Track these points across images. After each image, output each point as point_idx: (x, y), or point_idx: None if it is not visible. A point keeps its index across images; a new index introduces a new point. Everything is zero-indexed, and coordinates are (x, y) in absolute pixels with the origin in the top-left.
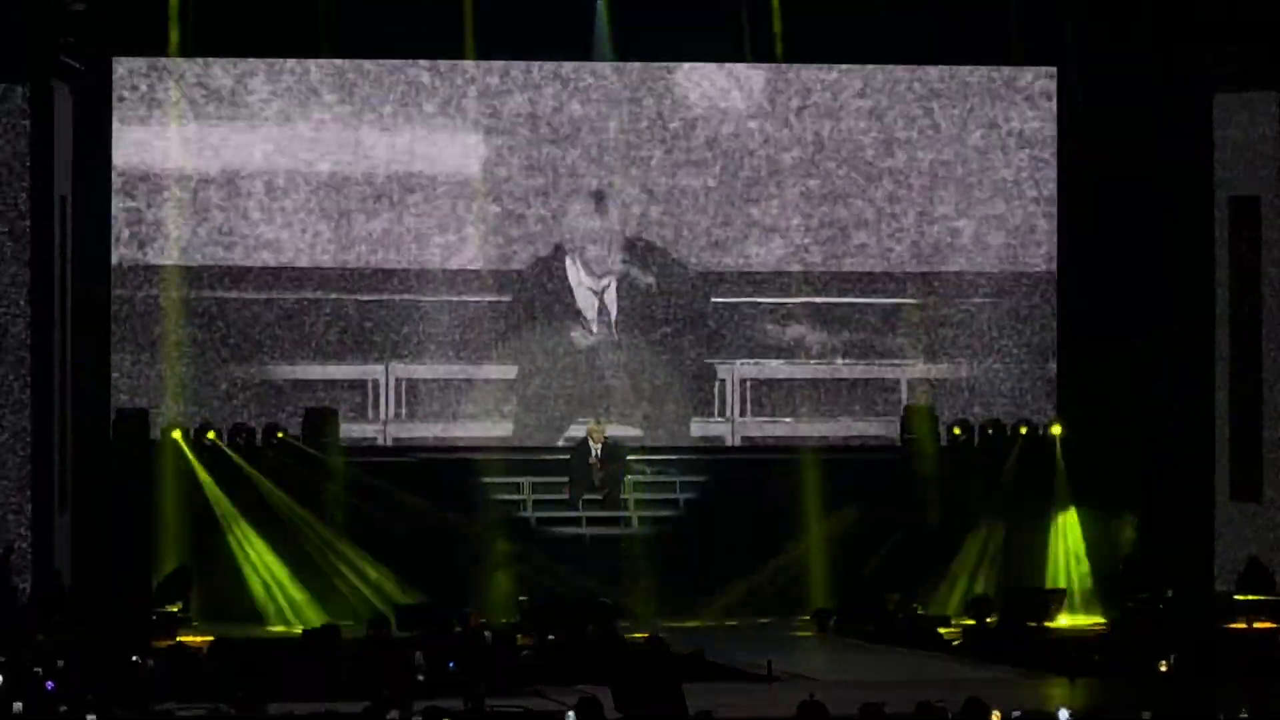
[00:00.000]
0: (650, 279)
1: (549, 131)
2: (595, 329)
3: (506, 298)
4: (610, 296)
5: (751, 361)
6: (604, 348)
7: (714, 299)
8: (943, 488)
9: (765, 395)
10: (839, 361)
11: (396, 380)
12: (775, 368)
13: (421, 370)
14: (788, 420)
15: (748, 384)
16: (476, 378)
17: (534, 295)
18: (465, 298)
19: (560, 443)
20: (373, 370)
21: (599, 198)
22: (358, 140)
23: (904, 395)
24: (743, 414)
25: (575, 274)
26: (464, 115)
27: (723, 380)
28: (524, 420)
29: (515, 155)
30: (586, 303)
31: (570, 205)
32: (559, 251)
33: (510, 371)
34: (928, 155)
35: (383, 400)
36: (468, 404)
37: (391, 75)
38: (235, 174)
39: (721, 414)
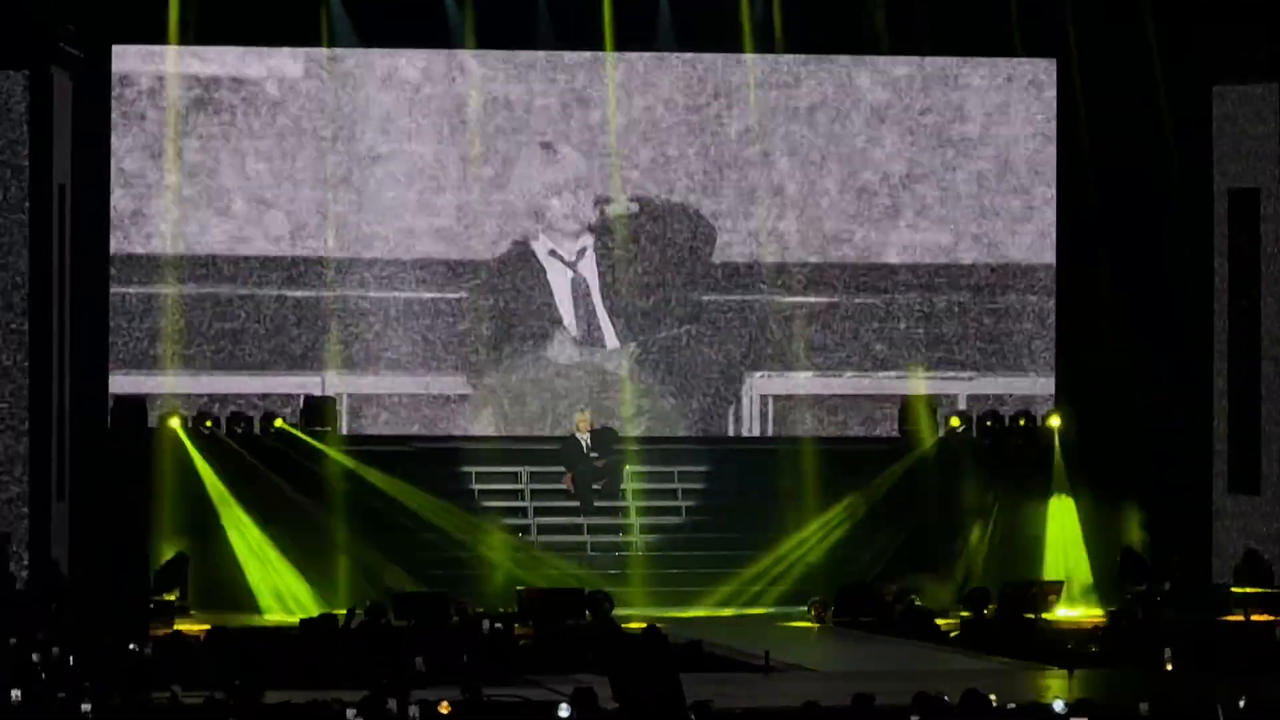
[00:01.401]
0: (635, 207)
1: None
2: (574, 326)
3: (463, 294)
4: (588, 266)
5: (771, 375)
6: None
7: (710, 295)
8: (941, 479)
9: (784, 411)
10: (848, 375)
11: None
12: (802, 381)
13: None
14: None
15: (769, 400)
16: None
17: (498, 295)
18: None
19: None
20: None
21: (547, 148)
22: (349, 128)
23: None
24: (762, 432)
25: (542, 246)
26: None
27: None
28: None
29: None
30: (560, 285)
31: (519, 164)
32: (523, 240)
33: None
34: (926, 147)
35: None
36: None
37: (380, 63)
38: (232, 163)
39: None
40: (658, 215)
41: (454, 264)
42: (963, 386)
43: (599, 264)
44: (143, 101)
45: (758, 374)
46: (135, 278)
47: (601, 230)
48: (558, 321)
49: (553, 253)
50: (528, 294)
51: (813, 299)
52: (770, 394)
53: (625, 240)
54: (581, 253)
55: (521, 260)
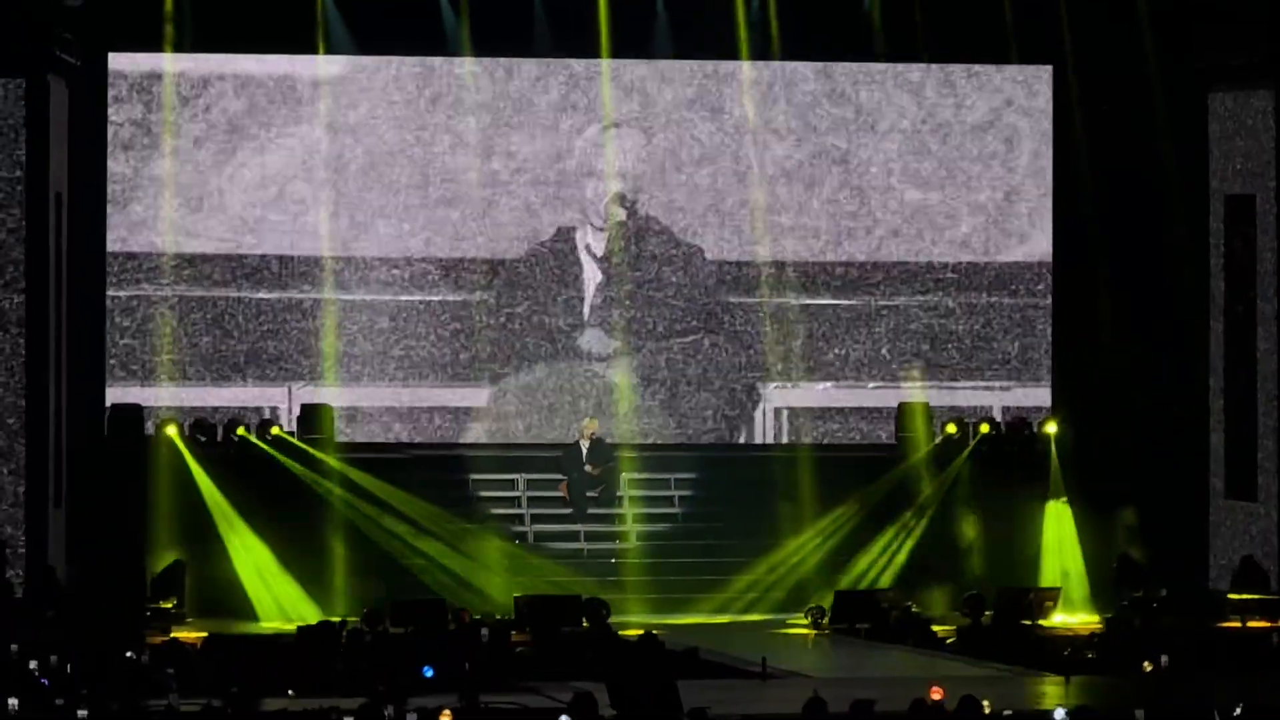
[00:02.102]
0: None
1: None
2: (589, 330)
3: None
4: (609, 268)
5: (784, 386)
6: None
7: (713, 303)
8: (937, 485)
9: (798, 421)
10: (872, 385)
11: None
12: (814, 392)
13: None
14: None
15: (784, 414)
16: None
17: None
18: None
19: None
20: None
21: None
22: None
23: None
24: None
25: (582, 237)
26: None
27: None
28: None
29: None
30: (589, 284)
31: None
32: (564, 230)
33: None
34: (924, 152)
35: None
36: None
37: (379, 71)
38: (232, 167)
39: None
40: (658, 223)
41: (472, 263)
42: (959, 396)
43: (622, 264)
44: (139, 109)
45: (770, 385)
46: (132, 284)
47: (608, 230)
48: (573, 325)
49: (588, 249)
50: (544, 296)
51: (812, 301)
52: (784, 405)
53: (621, 245)
54: (609, 250)
55: (541, 261)
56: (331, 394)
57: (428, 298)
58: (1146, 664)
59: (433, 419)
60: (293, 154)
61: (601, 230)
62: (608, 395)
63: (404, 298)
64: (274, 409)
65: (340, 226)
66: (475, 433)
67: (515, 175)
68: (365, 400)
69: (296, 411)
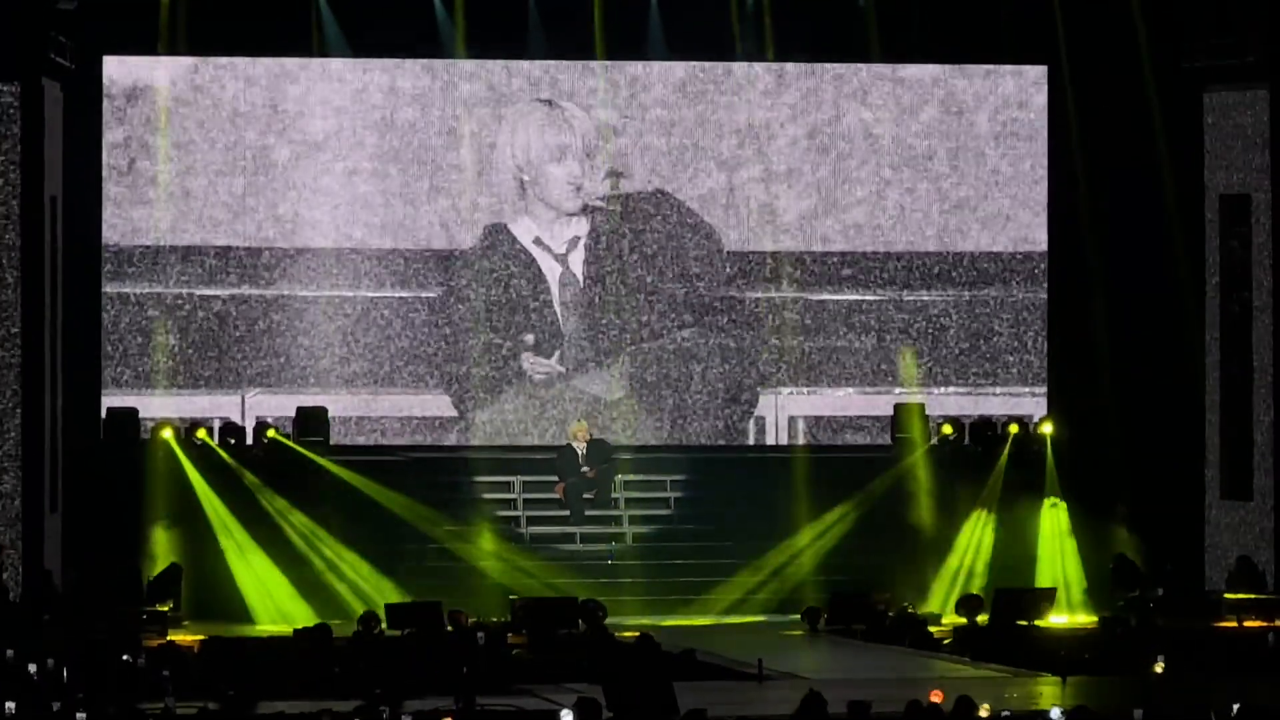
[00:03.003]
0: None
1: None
2: (564, 331)
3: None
4: (577, 261)
5: (772, 390)
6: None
7: (709, 299)
8: (933, 486)
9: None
10: (885, 391)
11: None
12: (810, 395)
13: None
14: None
15: (799, 424)
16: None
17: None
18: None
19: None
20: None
21: (550, 105)
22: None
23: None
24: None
25: (528, 229)
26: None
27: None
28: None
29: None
30: (551, 280)
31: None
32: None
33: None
34: (919, 153)
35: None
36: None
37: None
38: (225, 171)
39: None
40: (654, 212)
41: (437, 255)
42: (953, 400)
43: (593, 257)
44: (133, 112)
45: (784, 390)
46: (126, 287)
47: (598, 214)
48: (547, 324)
49: (538, 241)
50: (509, 293)
51: (806, 296)
52: (783, 407)
53: (618, 229)
54: (574, 243)
55: (501, 250)
56: (321, 399)
57: (396, 294)
58: (1158, 666)
59: (416, 429)
60: (288, 154)
61: (573, 217)
62: (593, 403)
63: (396, 295)
64: (303, 406)
65: (339, 223)
66: (468, 435)
67: (475, 166)
68: (340, 408)
69: (273, 414)
